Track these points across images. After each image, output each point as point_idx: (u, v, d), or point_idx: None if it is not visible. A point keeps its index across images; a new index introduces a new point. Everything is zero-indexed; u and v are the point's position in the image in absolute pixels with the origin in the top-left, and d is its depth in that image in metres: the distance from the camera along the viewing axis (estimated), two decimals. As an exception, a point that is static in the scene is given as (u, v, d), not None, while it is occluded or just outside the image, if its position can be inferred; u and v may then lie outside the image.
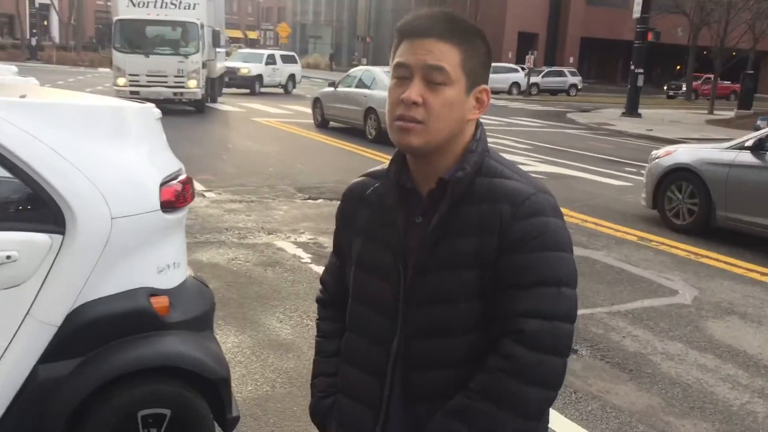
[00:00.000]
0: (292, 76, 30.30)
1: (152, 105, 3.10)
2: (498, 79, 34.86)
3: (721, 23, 28.97)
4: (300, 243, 6.82)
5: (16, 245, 2.50)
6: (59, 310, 2.62)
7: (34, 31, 42.14)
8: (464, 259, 1.36)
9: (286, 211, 8.16)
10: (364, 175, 1.60)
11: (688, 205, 7.99)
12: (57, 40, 56.05)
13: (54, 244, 2.57)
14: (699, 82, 43.30)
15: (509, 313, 1.33)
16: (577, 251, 4.85)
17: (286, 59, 30.81)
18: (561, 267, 1.35)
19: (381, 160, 9.68)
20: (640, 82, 25.11)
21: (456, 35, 1.35)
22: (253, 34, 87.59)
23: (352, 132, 15.59)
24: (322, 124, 16.86)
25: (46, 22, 60.18)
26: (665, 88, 45.42)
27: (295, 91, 30.33)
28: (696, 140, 16.75)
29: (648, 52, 25.65)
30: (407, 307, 1.42)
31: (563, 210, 1.49)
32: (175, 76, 17.54)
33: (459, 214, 1.37)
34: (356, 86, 15.68)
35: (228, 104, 22.20)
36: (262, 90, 28.14)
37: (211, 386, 2.84)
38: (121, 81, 17.28)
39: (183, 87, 17.62)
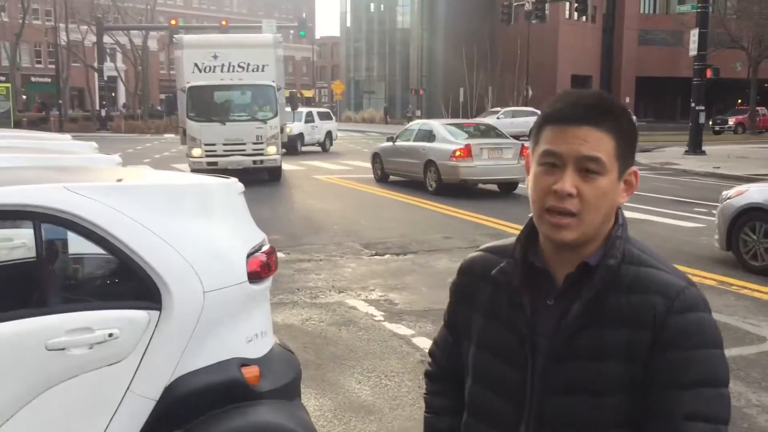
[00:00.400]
0: (329, 133, 30.04)
1: (235, 179, 3.23)
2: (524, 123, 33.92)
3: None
4: (371, 300, 6.86)
5: (117, 323, 2.61)
6: (158, 384, 2.71)
7: (104, 102, 44.27)
8: (613, 350, 1.30)
9: (355, 269, 8.24)
10: (484, 250, 1.55)
11: (765, 245, 7.80)
12: (125, 110, 58.79)
13: (152, 320, 2.67)
14: (746, 115, 42.27)
15: (671, 415, 1.27)
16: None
17: (323, 116, 30.56)
18: (720, 366, 1.30)
19: (443, 211, 9.79)
20: (702, 119, 24.66)
21: (609, 121, 1.31)
22: (308, 93, 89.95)
23: (412, 185, 15.72)
24: (382, 178, 17.06)
25: (113, 94, 63.26)
26: (710, 123, 44.37)
27: (332, 148, 29.87)
28: (766, 176, 16.23)
29: (707, 88, 25.23)
30: (538, 395, 1.36)
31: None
32: (254, 143, 16.28)
33: (606, 303, 1.31)
34: (414, 140, 15.84)
35: (288, 162, 22.71)
36: (303, 149, 27.65)
37: (304, 455, 2.86)
38: (197, 152, 16.00)
39: (262, 154, 16.34)
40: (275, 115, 16.61)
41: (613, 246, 1.34)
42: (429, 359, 1.69)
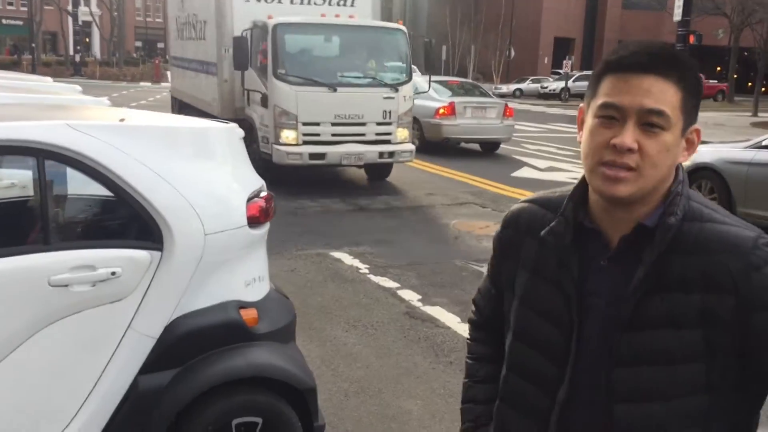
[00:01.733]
0: None
1: (235, 125, 3.22)
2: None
3: (765, 24, 28.47)
4: (357, 254, 6.91)
5: (120, 262, 2.63)
6: (158, 322, 2.74)
7: (78, 47, 43.20)
8: (687, 317, 1.21)
9: (339, 223, 8.27)
10: (530, 201, 1.46)
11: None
12: (99, 55, 57.43)
13: (153, 260, 2.70)
14: (725, 83, 42.18)
15: None
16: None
17: None
18: None
19: (426, 169, 9.81)
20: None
21: (677, 72, 1.21)
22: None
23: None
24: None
25: (87, 39, 61.70)
26: None
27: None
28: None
29: (690, 54, 25.33)
30: (595, 364, 1.29)
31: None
32: (379, 124, 9.99)
33: (672, 265, 1.23)
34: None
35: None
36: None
37: (299, 395, 2.94)
38: (290, 135, 9.49)
39: (390, 141, 10.07)
40: (409, 79, 10.35)
41: (673, 203, 1.25)
42: (473, 307, 1.66)
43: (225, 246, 2.89)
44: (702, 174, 8.43)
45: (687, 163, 6.68)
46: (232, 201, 2.97)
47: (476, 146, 15.24)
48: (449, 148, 14.59)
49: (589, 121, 1.26)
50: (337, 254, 6.86)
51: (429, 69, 12.43)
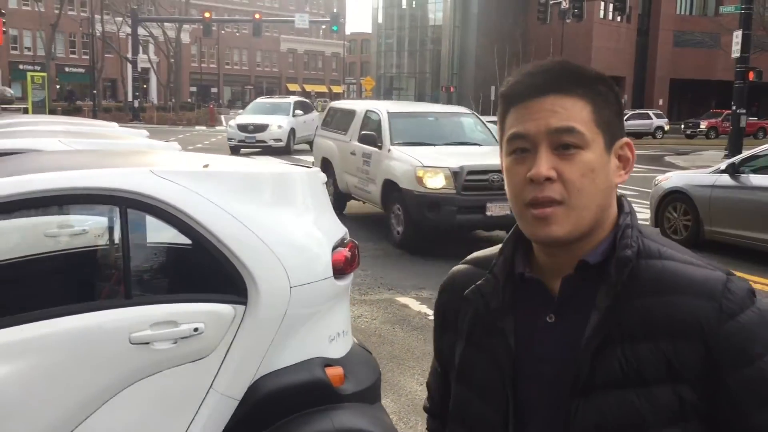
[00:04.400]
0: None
1: (318, 169, 3.07)
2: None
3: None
4: (423, 299, 6.68)
5: (203, 317, 2.46)
6: (241, 382, 2.56)
7: (137, 93, 44.56)
8: (653, 370, 1.01)
9: (400, 268, 8.05)
10: (468, 262, 1.29)
11: (683, 221, 9.26)
12: (156, 101, 59.16)
13: (237, 315, 2.52)
14: (719, 119, 40.52)
15: None
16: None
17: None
18: None
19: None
20: (743, 122, 24.10)
21: (578, 85, 1.07)
22: (337, 89, 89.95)
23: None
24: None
25: (145, 86, 63.76)
26: (682, 127, 42.52)
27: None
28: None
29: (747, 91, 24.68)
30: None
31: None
32: None
33: (630, 308, 1.04)
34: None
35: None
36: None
37: (388, 462, 2.70)
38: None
39: None
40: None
41: (625, 235, 1.08)
42: (427, 391, 1.43)
43: (311, 299, 2.70)
44: (675, 197, 9.42)
45: (664, 187, 7.84)
46: (318, 250, 2.79)
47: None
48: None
49: (504, 162, 1.11)
50: (403, 299, 6.62)
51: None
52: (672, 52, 56.93)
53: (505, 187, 1.12)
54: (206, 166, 2.69)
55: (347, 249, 2.92)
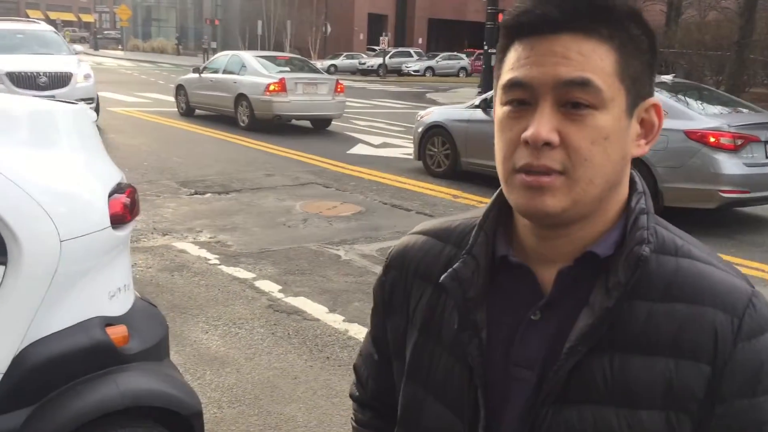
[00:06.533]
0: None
1: (86, 106, 2.69)
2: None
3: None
4: (201, 243, 6.39)
5: (-50, 282, 2.06)
6: (4, 353, 2.20)
7: None
8: (646, 392, 0.84)
9: (175, 209, 7.63)
10: (423, 233, 1.05)
11: (443, 154, 9.95)
12: None
13: (-6, 276, 2.15)
14: (472, 58, 43.56)
15: None
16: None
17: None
18: None
19: (259, 148, 9.48)
20: (494, 61, 25.99)
21: (605, 23, 0.83)
22: (88, 17, 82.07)
23: (222, 120, 14.92)
24: (188, 112, 15.99)
25: None
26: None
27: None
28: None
29: (496, 31, 26.67)
30: None
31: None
32: None
33: (632, 314, 0.85)
34: (224, 72, 14.99)
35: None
36: None
37: (184, 421, 2.53)
38: None
39: None
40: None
41: (639, 224, 0.88)
42: (354, 376, 1.22)
43: (85, 253, 2.38)
44: (436, 131, 10.01)
45: (425, 122, 9.44)
46: (92, 198, 2.46)
47: (307, 123, 14.93)
48: (280, 126, 14.15)
49: (497, 111, 0.89)
50: (180, 245, 6.29)
51: None
52: (430, -8, 59.51)
53: (495, 145, 0.89)
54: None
55: (125, 195, 2.62)
